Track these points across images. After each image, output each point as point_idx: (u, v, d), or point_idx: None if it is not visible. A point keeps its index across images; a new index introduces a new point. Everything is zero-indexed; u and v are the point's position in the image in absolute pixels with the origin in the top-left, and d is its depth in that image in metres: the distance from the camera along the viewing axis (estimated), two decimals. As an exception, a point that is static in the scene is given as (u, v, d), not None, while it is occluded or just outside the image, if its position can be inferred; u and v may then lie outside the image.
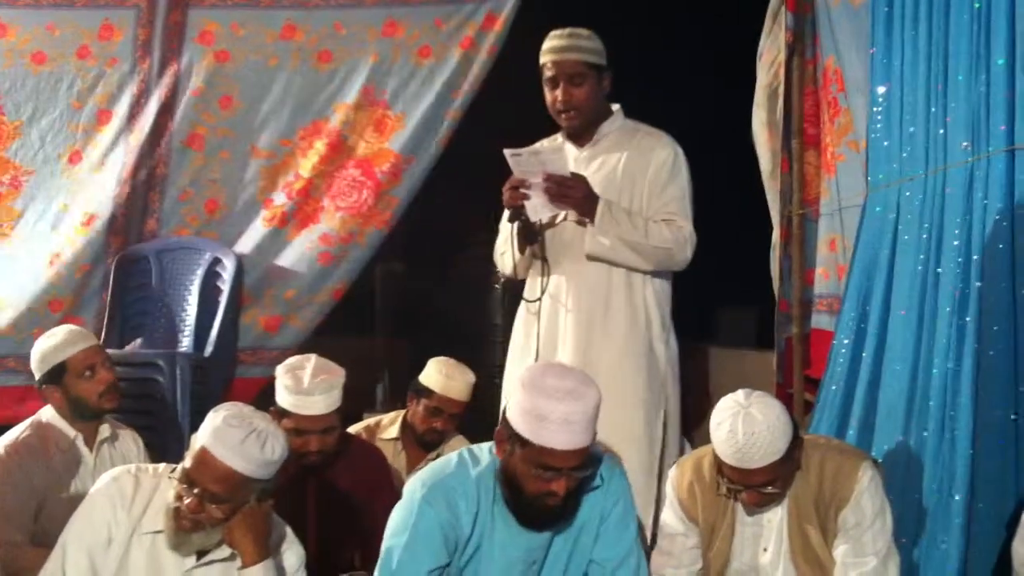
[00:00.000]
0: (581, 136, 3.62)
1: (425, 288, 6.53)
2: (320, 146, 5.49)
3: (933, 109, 3.58)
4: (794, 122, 4.79)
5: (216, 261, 5.32)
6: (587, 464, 2.70)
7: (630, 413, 3.53)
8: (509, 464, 2.72)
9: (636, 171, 3.57)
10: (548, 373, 2.71)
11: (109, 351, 4.57)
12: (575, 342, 3.52)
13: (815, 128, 4.75)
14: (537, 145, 3.70)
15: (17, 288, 5.34)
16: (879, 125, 3.91)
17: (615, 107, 3.68)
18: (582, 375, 2.75)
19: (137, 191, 5.47)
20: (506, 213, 3.70)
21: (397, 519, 2.81)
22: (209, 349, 5.09)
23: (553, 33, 3.59)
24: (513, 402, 2.71)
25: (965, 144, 3.40)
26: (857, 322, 3.86)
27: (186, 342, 5.22)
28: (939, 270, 3.43)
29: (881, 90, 3.89)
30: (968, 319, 3.25)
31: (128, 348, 5.18)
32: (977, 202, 3.33)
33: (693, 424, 4.32)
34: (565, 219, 3.55)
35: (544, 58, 3.55)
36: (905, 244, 3.65)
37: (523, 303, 3.69)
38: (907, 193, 3.70)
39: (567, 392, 2.65)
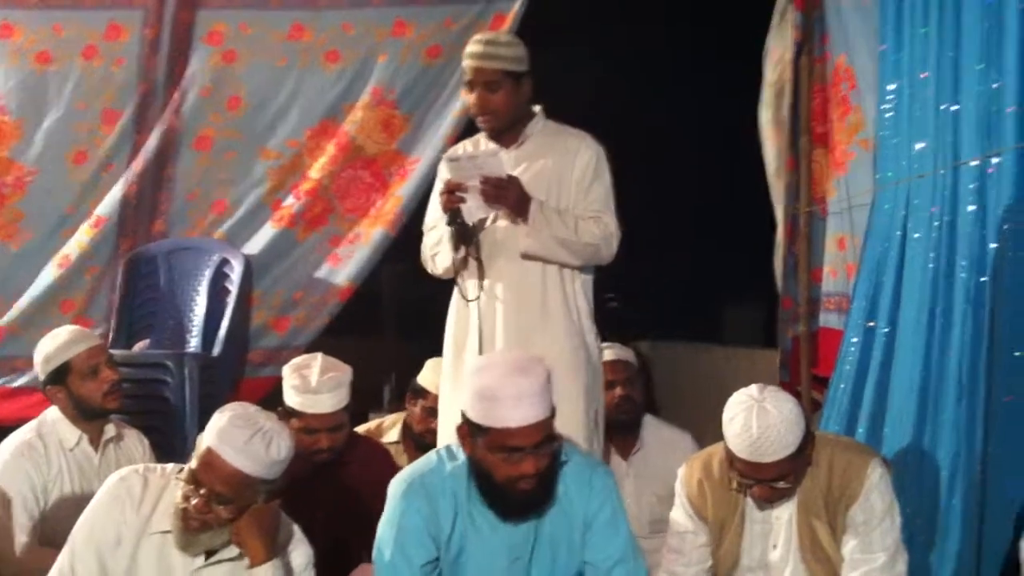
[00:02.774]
0: (505, 138, 3.70)
1: (431, 289, 6.52)
2: (329, 147, 5.49)
3: (943, 106, 3.57)
4: (802, 120, 4.78)
5: (224, 262, 5.32)
6: (550, 439, 2.70)
7: (574, 405, 3.56)
8: (476, 457, 2.73)
9: (562, 172, 3.65)
10: (493, 356, 2.82)
11: (118, 352, 4.59)
12: (515, 339, 3.57)
13: (823, 126, 4.74)
14: (466, 147, 3.76)
15: (26, 289, 5.34)
16: (888, 122, 3.90)
17: (536, 108, 3.74)
18: (527, 354, 2.84)
19: (145, 192, 5.45)
20: (428, 217, 3.80)
21: (384, 518, 2.85)
22: (217, 350, 5.08)
23: (474, 38, 3.68)
24: (467, 394, 2.73)
25: (976, 141, 3.38)
26: (866, 320, 3.86)
27: (194, 343, 5.22)
28: (951, 268, 3.42)
29: (890, 87, 3.88)
30: (981, 317, 3.24)
31: (136, 348, 5.18)
32: (989, 199, 3.32)
33: (700, 422, 4.31)
34: (495, 220, 3.62)
35: (464, 62, 3.64)
36: (915, 242, 3.64)
37: (454, 304, 3.74)
38: (917, 190, 3.69)
39: (514, 368, 2.69)
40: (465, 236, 3.58)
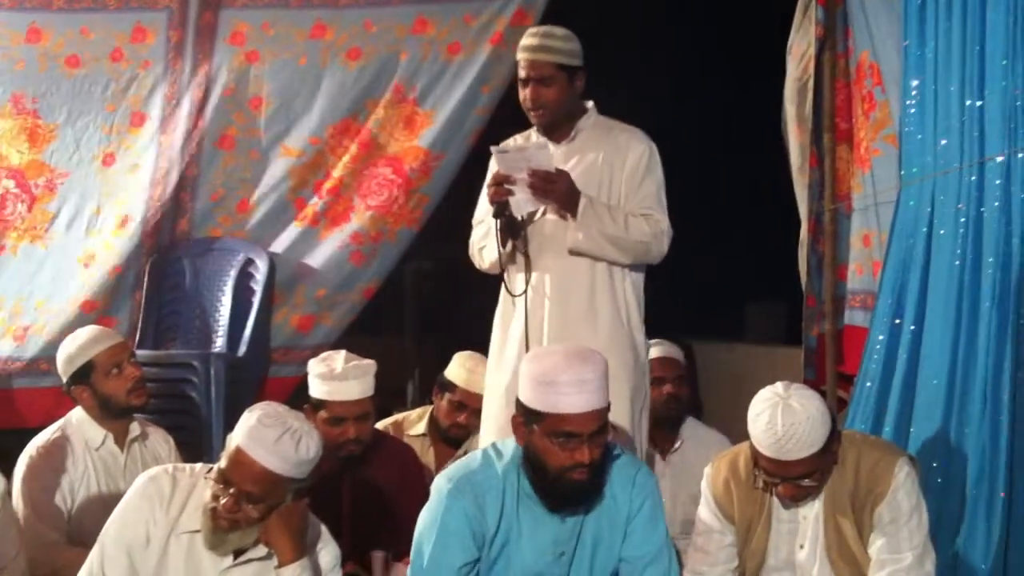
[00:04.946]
0: (557, 133, 3.66)
1: (455, 287, 6.52)
2: (350, 144, 5.51)
3: (968, 101, 3.56)
4: (824, 117, 4.75)
5: (249, 261, 5.34)
6: (604, 429, 2.72)
7: (620, 406, 3.54)
8: (530, 445, 2.74)
9: (613, 167, 3.62)
10: (552, 346, 2.85)
11: (144, 352, 4.61)
12: (560, 336, 3.55)
13: (847, 123, 4.72)
14: (516, 141, 3.73)
15: (51, 290, 5.37)
16: (912, 118, 3.89)
17: (589, 104, 3.71)
18: (587, 346, 2.84)
19: (169, 192, 5.48)
20: (478, 210, 3.76)
21: (426, 516, 2.84)
22: (243, 349, 5.11)
23: (529, 31, 3.65)
24: (523, 381, 2.74)
25: (1001, 136, 3.37)
26: (892, 318, 3.84)
27: (220, 342, 5.24)
28: (978, 265, 3.40)
29: (915, 83, 3.86)
30: (1008, 313, 3.22)
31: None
32: (1014, 195, 3.30)
33: (722, 420, 4.30)
34: (545, 214, 3.60)
35: (518, 56, 3.61)
36: (941, 238, 3.63)
37: (502, 298, 3.72)
38: (942, 187, 3.67)
39: (575, 355, 2.72)
40: (513, 230, 3.55)
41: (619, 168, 3.61)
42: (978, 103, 3.50)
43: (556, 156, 3.57)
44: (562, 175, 3.45)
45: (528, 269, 3.58)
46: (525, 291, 3.58)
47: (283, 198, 5.55)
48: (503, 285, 3.65)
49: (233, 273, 5.33)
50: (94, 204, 5.46)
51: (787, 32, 4.95)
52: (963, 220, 3.51)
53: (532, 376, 2.71)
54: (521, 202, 3.47)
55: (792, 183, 4.96)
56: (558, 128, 3.64)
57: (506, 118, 5.38)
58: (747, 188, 5.95)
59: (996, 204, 3.36)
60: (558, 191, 3.44)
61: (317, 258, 5.49)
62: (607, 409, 2.73)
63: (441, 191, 5.49)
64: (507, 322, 3.67)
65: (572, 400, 2.65)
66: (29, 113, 5.46)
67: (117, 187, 5.46)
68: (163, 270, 5.39)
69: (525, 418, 2.73)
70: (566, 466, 2.69)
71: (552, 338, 3.54)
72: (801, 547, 3.03)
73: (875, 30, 4.38)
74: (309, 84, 5.54)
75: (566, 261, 3.56)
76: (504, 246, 3.58)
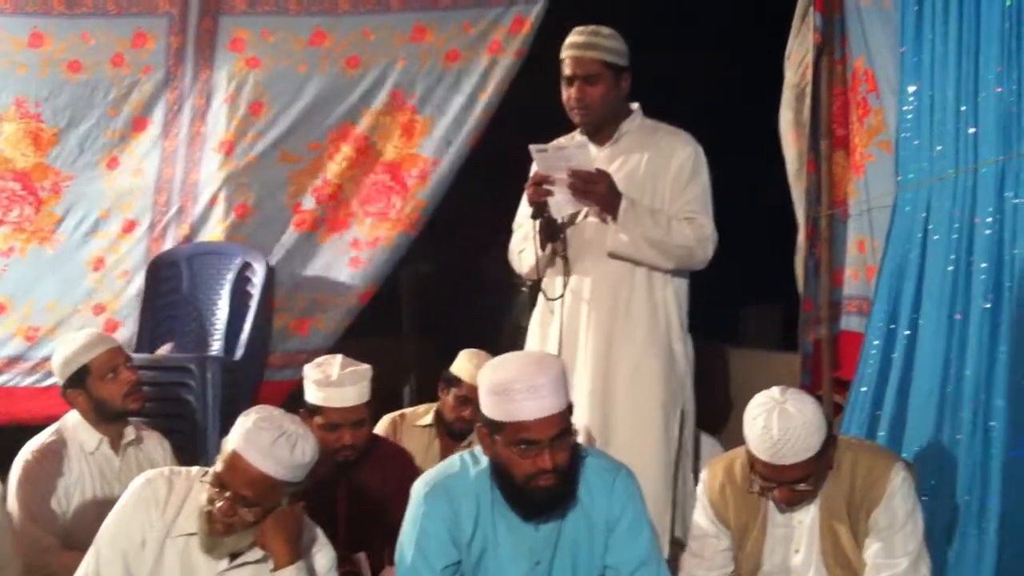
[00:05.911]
0: (600, 134, 3.62)
1: (452, 290, 6.53)
2: (348, 151, 5.52)
3: (963, 107, 3.56)
4: (822, 123, 4.76)
5: (246, 266, 5.34)
6: (566, 432, 2.69)
7: (649, 413, 3.53)
8: (495, 456, 2.72)
9: (658, 170, 3.58)
10: (506, 355, 2.78)
11: (140, 355, 4.61)
12: (596, 341, 3.52)
13: (844, 129, 4.72)
14: (561, 140, 3.71)
15: (60, 291, 5.47)
16: (909, 124, 3.89)
17: (634, 106, 3.67)
18: (541, 351, 2.79)
19: (172, 197, 5.56)
20: (519, 214, 3.71)
21: (407, 520, 2.85)
22: (239, 353, 5.11)
23: (575, 30, 3.60)
24: (481, 393, 2.73)
25: (996, 143, 3.37)
26: (887, 323, 3.84)
27: (216, 346, 5.25)
28: (971, 270, 3.40)
29: (911, 89, 3.86)
30: (1001, 319, 3.23)
31: (161, 350, 5.21)
32: (1008, 202, 3.31)
33: (719, 425, 4.30)
34: (586, 217, 3.56)
35: (563, 54, 3.56)
36: (935, 244, 3.63)
37: (540, 302, 3.69)
38: (937, 192, 3.68)
39: (527, 361, 2.72)
40: (552, 232, 3.51)
41: (663, 171, 3.57)
42: (973, 108, 3.50)
43: (600, 158, 3.53)
44: (602, 175, 3.40)
45: (566, 272, 3.54)
46: (563, 295, 3.54)
47: (282, 203, 5.57)
48: (540, 289, 3.61)
49: (230, 277, 5.34)
50: (100, 208, 5.55)
51: (785, 37, 4.96)
52: (957, 226, 3.51)
53: (487, 387, 2.69)
54: (560, 203, 3.42)
55: (789, 188, 4.97)
56: (602, 130, 3.60)
57: (504, 124, 5.42)
58: (745, 192, 5.95)
59: (990, 209, 3.36)
60: (598, 192, 3.39)
61: (315, 263, 5.52)
62: (567, 412, 2.70)
63: (439, 197, 5.50)
64: (545, 326, 3.63)
65: (527, 406, 2.62)
66: (32, 117, 5.55)
67: (123, 192, 5.56)
68: (159, 274, 5.41)
69: (488, 429, 2.72)
70: (530, 474, 2.66)
71: (588, 343, 3.50)
72: (796, 552, 3.04)
73: (870, 37, 4.39)
74: (309, 91, 5.57)
75: (605, 265, 3.52)
76: (543, 248, 3.54)
